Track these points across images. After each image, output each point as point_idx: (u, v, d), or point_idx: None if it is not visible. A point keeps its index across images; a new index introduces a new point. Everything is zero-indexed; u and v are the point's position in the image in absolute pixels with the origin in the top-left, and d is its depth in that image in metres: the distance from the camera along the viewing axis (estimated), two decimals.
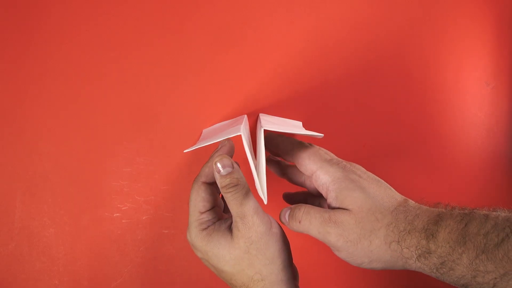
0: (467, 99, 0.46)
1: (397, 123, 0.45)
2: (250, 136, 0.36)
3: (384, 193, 0.30)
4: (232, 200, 0.30)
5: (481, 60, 0.46)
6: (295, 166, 0.36)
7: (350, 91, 0.44)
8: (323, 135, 0.35)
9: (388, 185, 0.31)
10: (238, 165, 0.32)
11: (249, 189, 0.31)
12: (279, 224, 0.33)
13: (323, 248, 0.44)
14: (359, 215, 0.28)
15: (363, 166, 0.33)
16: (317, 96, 0.44)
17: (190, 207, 0.33)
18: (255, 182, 0.30)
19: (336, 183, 0.30)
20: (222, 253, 0.31)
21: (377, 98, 0.45)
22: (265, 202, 0.30)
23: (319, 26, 0.43)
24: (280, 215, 0.33)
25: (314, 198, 0.37)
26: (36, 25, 0.40)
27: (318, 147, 0.35)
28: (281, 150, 0.35)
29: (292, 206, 0.32)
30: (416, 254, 0.26)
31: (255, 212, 0.31)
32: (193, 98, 0.42)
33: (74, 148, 0.41)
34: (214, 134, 0.36)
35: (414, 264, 0.27)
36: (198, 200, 0.32)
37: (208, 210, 0.33)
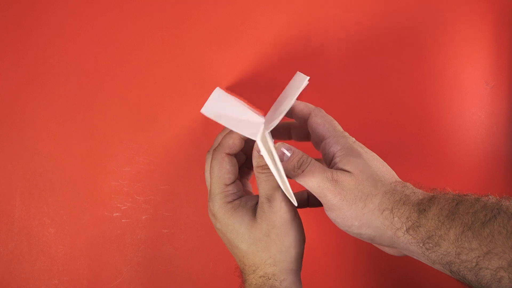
0: (467, 98, 0.46)
1: (396, 123, 0.45)
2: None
3: (386, 170, 0.31)
4: (264, 181, 0.31)
5: (481, 60, 0.46)
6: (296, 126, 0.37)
7: (348, 90, 0.44)
8: (308, 77, 0.34)
9: (390, 167, 0.32)
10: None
11: None
12: (299, 216, 0.33)
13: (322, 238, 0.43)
14: (359, 178, 0.29)
15: None
16: (316, 95, 0.44)
17: (213, 178, 0.33)
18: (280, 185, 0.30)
19: (343, 151, 0.31)
20: (242, 230, 0.31)
21: (376, 98, 0.45)
22: (295, 204, 0.30)
23: (319, 25, 0.43)
24: (278, 146, 0.32)
25: None
26: (36, 25, 0.40)
27: (330, 116, 0.35)
28: (296, 111, 0.35)
29: (295, 150, 0.31)
30: (406, 226, 0.27)
31: (283, 198, 0.31)
32: (193, 98, 0.42)
33: (74, 147, 0.41)
34: (235, 115, 0.34)
35: (403, 237, 0.27)
36: (223, 172, 0.32)
37: (232, 183, 0.33)
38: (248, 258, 0.32)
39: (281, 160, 0.31)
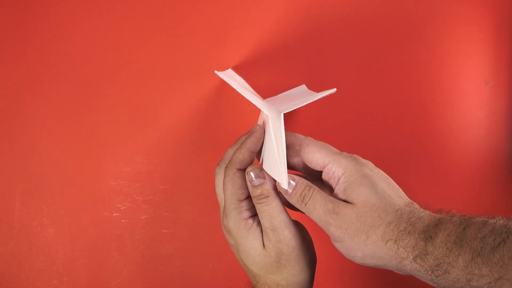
0: (466, 98, 0.46)
1: (396, 123, 0.45)
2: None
3: (392, 192, 0.30)
4: (262, 212, 0.31)
5: (480, 59, 0.46)
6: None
7: (348, 90, 0.44)
8: (335, 89, 0.34)
9: (397, 185, 0.31)
10: (270, 177, 0.32)
11: (281, 202, 0.31)
12: (310, 237, 0.33)
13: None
14: (361, 209, 0.28)
15: None
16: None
17: (226, 194, 0.32)
18: (272, 164, 0.30)
19: (347, 176, 0.30)
20: (253, 254, 0.31)
21: (375, 98, 0.45)
22: (286, 187, 0.30)
23: (317, 25, 0.43)
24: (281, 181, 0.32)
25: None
26: (36, 25, 0.40)
27: (321, 142, 0.34)
28: (286, 145, 0.34)
29: (299, 180, 0.31)
30: (412, 254, 0.26)
31: (286, 226, 0.31)
32: (193, 98, 0.42)
33: (74, 147, 0.41)
34: (246, 88, 0.35)
35: (410, 265, 0.27)
36: (236, 188, 0.32)
37: (246, 198, 0.33)
38: (259, 279, 0.32)
39: (286, 192, 0.31)
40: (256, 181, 0.31)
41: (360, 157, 0.32)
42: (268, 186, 0.31)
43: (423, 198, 0.31)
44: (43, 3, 0.40)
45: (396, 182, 0.32)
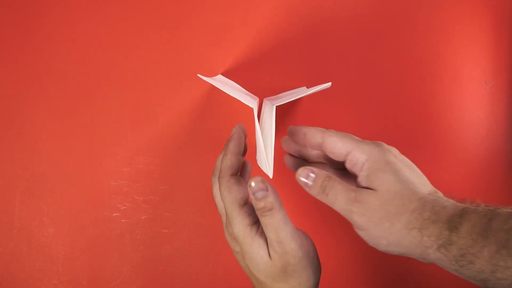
0: (466, 98, 0.46)
1: (395, 123, 0.45)
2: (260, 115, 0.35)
3: (416, 179, 0.29)
4: (267, 225, 0.30)
5: (480, 59, 0.46)
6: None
7: (347, 90, 0.44)
8: (330, 83, 0.34)
9: (421, 173, 0.31)
10: (273, 188, 0.31)
11: (285, 213, 0.31)
12: (314, 245, 0.33)
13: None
14: (385, 197, 0.28)
15: None
16: (313, 95, 0.44)
17: (226, 203, 0.31)
18: (261, 155, 0.30)
19: (371, 162, 0.29)
20: (259, 262, 0.31)
21: (374, 98, 0.45)
22: (271, 176, 0.30)
23: (317, 25, 0.44)
24: (299, 173, 0.31)
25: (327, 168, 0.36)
26: (36, 25, 0.40)
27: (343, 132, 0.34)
28: (308, 138, 0.34)
29: (318, 172, 0.30)
30: (436, 244, 0.26)
31: (292, 238, 0.30)
32: (193, 98, 0.42)
33: (73, 147, 0.41)
34: (232, 88, 0.35)
35: (433, 254, 0.27)
36: (234, 194, 0.31)
37: (246, 203, 0.32)
38: (266, 286, 0.32)
39: (306, 185, 0.31)
40: (259, 194, 0.30)
41: (384, 143, 0.31)
42: (271, 199, 0.30)
43: (453, 193, 0.30)
44: (43, 3, 0.40)
45: None
